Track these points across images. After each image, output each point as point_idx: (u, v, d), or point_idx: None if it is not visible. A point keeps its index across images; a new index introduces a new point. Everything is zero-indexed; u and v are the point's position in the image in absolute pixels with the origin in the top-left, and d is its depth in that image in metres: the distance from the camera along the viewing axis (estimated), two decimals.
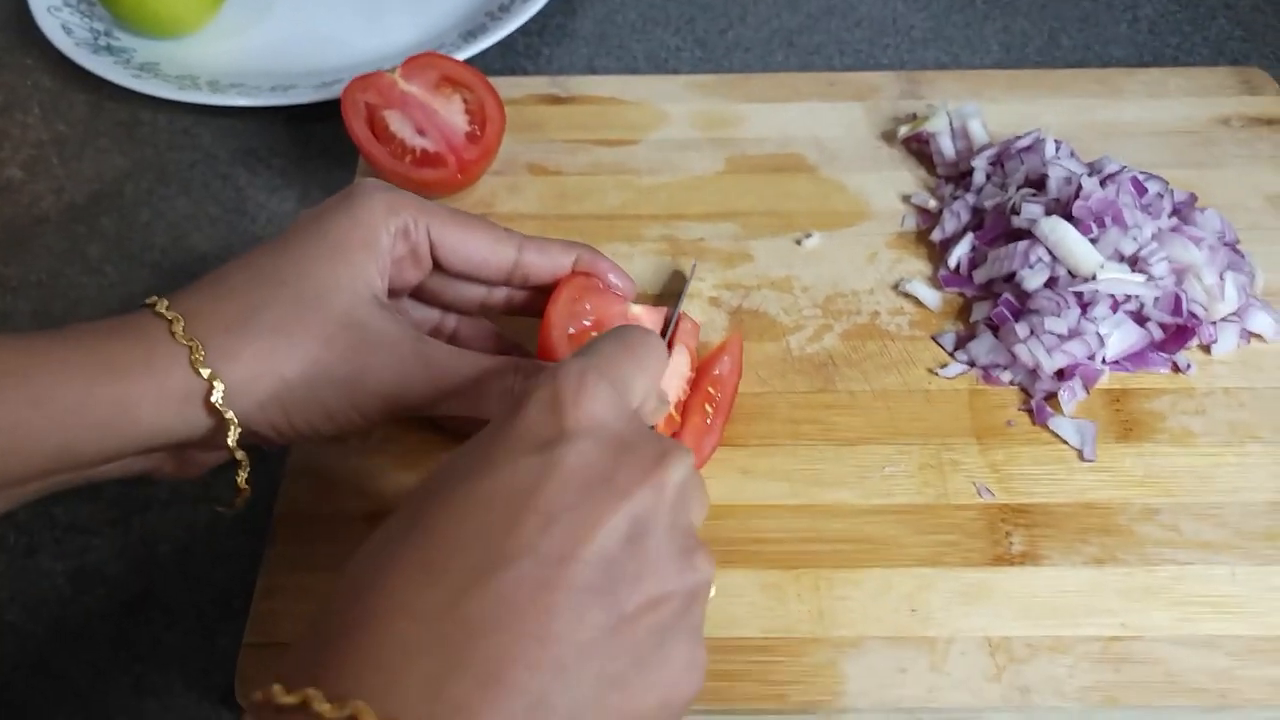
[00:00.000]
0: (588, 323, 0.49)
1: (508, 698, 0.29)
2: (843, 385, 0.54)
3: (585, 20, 0.77)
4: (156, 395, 0.39)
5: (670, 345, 0.50)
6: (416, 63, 0.61)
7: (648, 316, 0.51)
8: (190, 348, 0.40)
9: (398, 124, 0.59)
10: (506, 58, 0.75)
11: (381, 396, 0.43)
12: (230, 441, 0.41)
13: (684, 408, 0.50)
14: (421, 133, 0.59)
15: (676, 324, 0.51)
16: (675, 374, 0.50)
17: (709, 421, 0.50)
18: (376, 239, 0.44)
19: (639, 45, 0.75)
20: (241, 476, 0.43)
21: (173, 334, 0.40)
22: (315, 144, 0.69)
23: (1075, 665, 0.44)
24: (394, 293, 0.48)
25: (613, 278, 0.50)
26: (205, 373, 0.40)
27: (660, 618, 0.33)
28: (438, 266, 0.48)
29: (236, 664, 0.44)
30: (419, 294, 0.50)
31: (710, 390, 0.51)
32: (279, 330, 0.41)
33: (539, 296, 0.49)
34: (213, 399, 0.40)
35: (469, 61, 0.66)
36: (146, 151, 0.69)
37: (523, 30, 0.76)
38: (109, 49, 0.72)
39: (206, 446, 0.43)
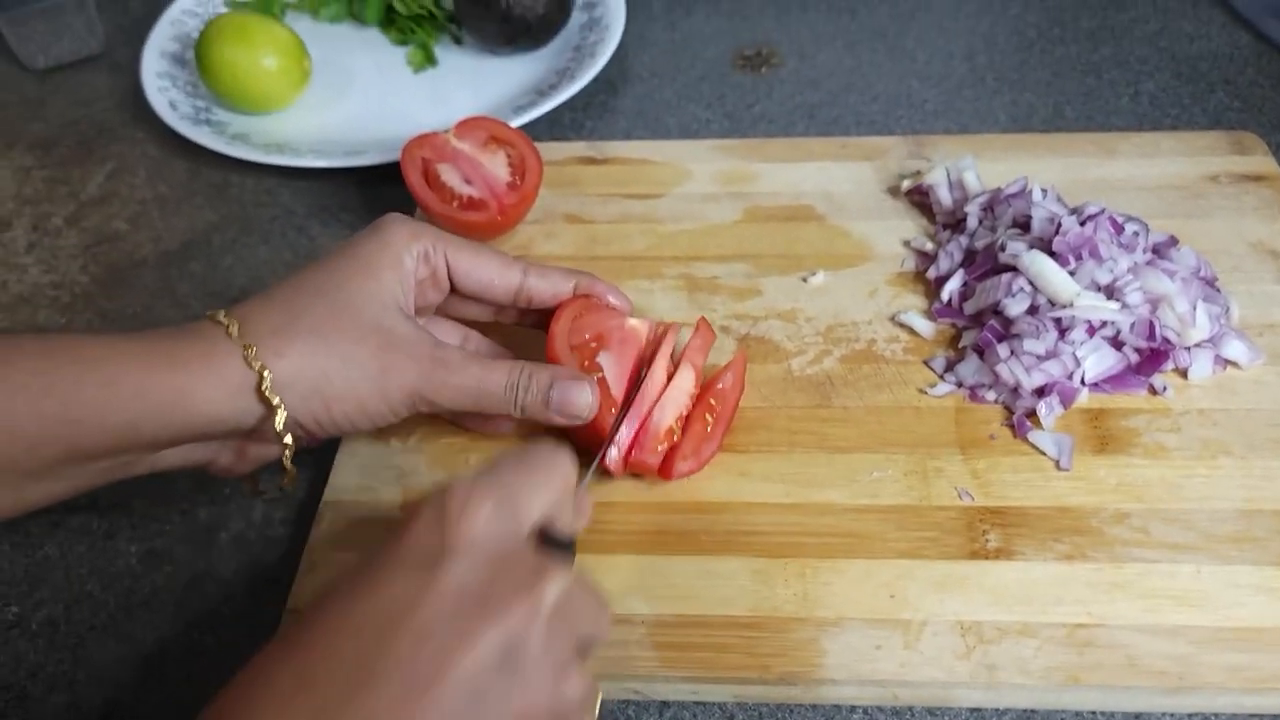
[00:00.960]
0: (588, 335, 0.56)
1: None
2: (838, 402, 0.58)
3: (626, 98, 0.86)
4: (214, 385, 0.46)
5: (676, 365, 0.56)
6: (468, 125, 0.69)
7: (643, 327, 0.57)
8: (244, 346, 0.47)
9: (449, 174, 0.67)
10: (554, 130, 0.83)
11: (405, 391, 0.50)
12: (278, 425, 0.47)
13: (686, 419, 0.55)
14: (469, 182, 0.67)
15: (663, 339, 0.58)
16: (680, 390, 0.56)
17: (708, 430, 0.55)
18: (400, 260, 0.52)
19: (673, 119, 0.83)
20: (287, 457, 0.50)
21: (229, 335, 0.47)
22: (382, 202, 0.77)
23: (1041, 647, 0.47)
24: (420, 311, 0.55)
25: (611, 298, 0.57)
26: (256, 365, 0.46)
27: None
28: (454, 289, 0.55)
29: (279, 626, 0.50)
30: (443, 313, 0.58)
31: (712, 402, 0.56)
32: (318, 332, 0.48)
33: (547, 314, 0.56)
34: (263, 388, 0.46)
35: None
36: (234, 208, 0.78)
37: (569, 106, 0.85)
38: (208, 122, 0.82)
39: (258, 438, 0.50)
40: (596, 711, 0.39)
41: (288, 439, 0.48)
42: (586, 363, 0.55)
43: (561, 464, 0.42)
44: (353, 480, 0.56)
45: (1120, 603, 0.49)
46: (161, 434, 0.47)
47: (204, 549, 0.56)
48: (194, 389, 0.46)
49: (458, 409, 0.52)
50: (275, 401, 0.47)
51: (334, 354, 0.48)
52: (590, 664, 0.39)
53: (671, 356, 0.57)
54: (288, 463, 0.50)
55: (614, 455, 0.53)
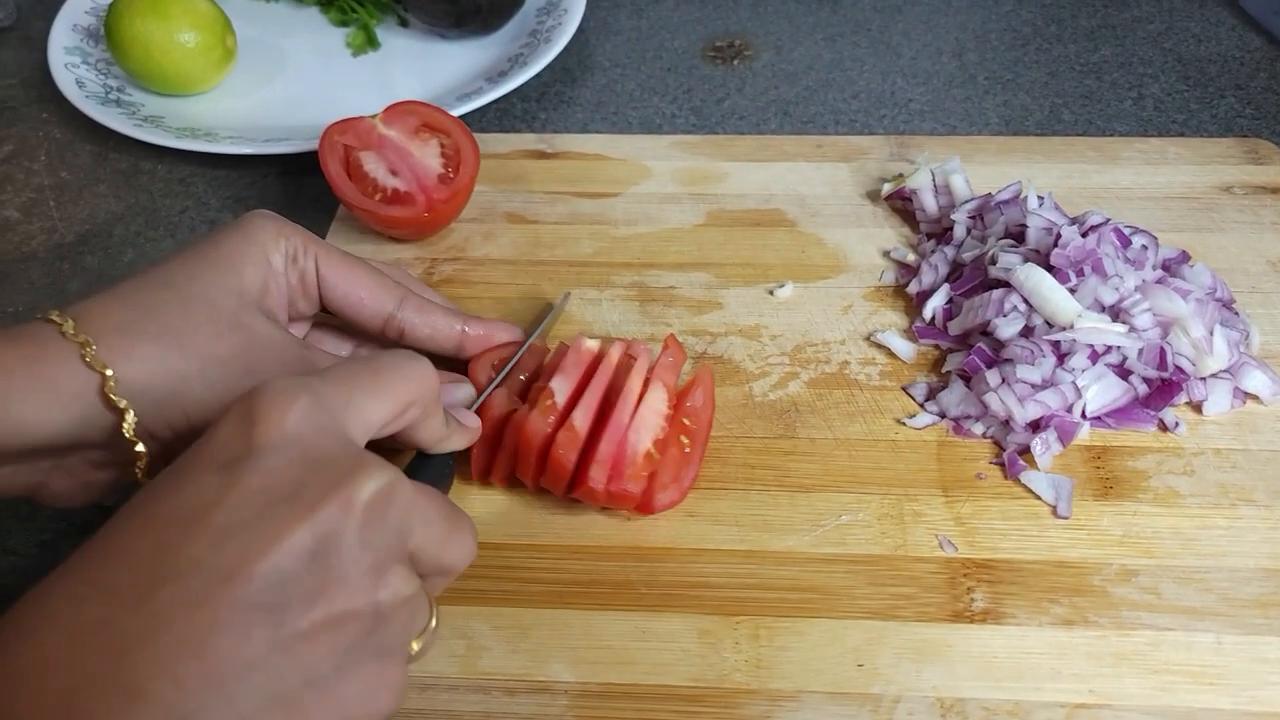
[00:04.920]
0: (523, 376, 0.50)
1: (148, 713, 0.28)
2: (804, 432, 0.51)
3: (584, 89, 0.78)
4: (44, 392, 0.39)
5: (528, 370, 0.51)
6: (398, 109, 0.61)
7: (596, 347, 0.50)
8: (81, 343, 0.39)
9: (372, 164, 0.60)
10: (504, 121, 0.75)
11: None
12: (127, 432, 0.40)
13: (662, 443, 0.47)
14: (395, 173, 0.60)
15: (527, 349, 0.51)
16: (652, 410, 0.48)
17: (686, 452, 0.48)
18: (266, 257, 0.46)
19: (634, 113, 0.76)
20: (140, 470, 0.42)
21: (63, 334, 0.39)
22: (305, 195, 0.69)
23: None
24: (291, 321, 0.48)
25: (500, 334, 0.51)
26: (98, 366, 0.39)
27: (342, 637, 0.32)
28: (321, 305, 0.49)
29: None
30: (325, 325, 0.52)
31: (686, 422, 0.49)
32: (171, 330, 0.41)
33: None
34: (107, 389, 0.39)
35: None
36: (141, 197, 0.70)
37: (522, 96, 0.77)
38: (118, 103, 0.74)
39: (99, 455, 0.42)
40: (433, 623, 0.36)
41: (139, 447, 0.41)
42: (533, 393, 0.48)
43: (414, 372, 0.38)
44: None
45: (1128, 679, 0.41)
46: None
47: None
48: (18, 398, 0.38)
49: None
50: (122, 405, 0.40)
51: (190, 355, 0.41)
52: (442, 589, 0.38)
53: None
54: (141, 477, 0.42)
55: (598, 477, 0.45)
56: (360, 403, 0.36)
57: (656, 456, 0.47)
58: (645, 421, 0.47)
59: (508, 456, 0.47)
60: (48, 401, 0.39)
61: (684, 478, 0.47)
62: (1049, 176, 0.64)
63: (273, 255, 0.46)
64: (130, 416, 0.40)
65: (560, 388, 0.47)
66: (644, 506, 0.46)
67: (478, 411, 0.47)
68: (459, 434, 0.44)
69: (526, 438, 0.46)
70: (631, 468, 0.46)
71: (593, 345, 0.50)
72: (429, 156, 0.61)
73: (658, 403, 0.48)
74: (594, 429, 0.46)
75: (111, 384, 0.39)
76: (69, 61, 0.77)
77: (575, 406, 0.46)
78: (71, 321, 0.40)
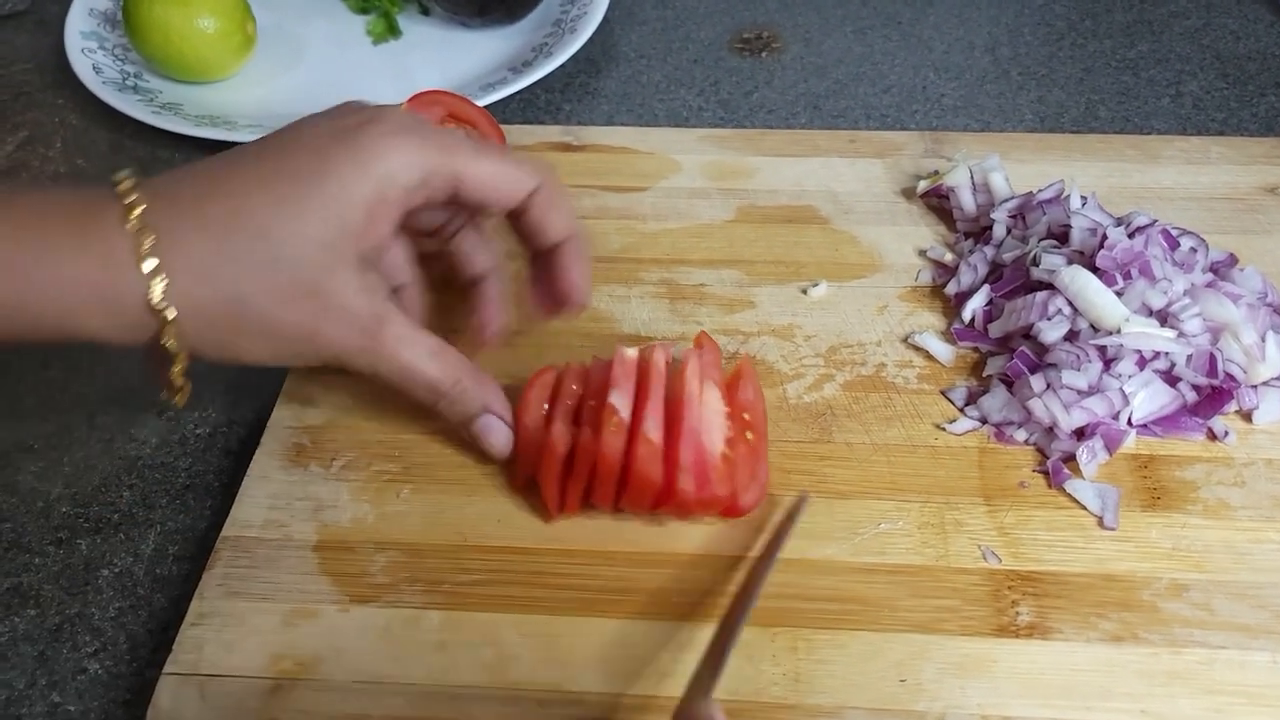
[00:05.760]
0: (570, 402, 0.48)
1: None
2: (840, 437, 0.49)
3: (609, 80, 0.77)
4: (104, 315, 0.38)
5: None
6: (423, 99, 0.60)
7: (635, 354, 0.48)
8: (149, 275, 0.38)
9: None
10: (527, 112, 0.74)
11: (326, 357, 0.43)
12: (176, 378, 0.41)
13: (731, 441, 0.46)
14: None
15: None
16: (713, 411, 0.46)
17: (754, 447, 0.47)
18: (384, 194, 0.41)
19: (661, 105, 0.74)
20: (177, 372, 0.41)
21: (137, 258, 0.38)
22: None
23: None
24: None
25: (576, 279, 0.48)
26: (161, 310, 0.38)
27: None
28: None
29: (153, 694, 0.41)
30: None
31: (745, 417, 0.47)
32: (239, 292, 0.40)
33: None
34: (164, 333, 0.39)
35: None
36: None
37: (546, 87, 0.76)
38: (135, 89, 0.73)
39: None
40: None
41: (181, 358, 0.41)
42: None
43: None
44: (260, 513, 0.47)
45: (1181, 699, 0.40)
46: (27, 341, 0.39)
47: (78, 588, 0.47)
48: (81, 316, 0.38)
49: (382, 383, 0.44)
50: (172, 346, 0.40)
51: (251, 317, 0.40)
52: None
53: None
54: (179, 378, 0.41)
55: (688, 485, 0.43)
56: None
57: (731, 455, 0.45)
58: (712, 423, 0.46)
59: (581, 483, 0.45)
60: (104, 324, 0.39)
61: (760, 473, 0.46)
62: (1088, 175, 0.62)
63: (393, 188, 0.41)
64: (181, 359, 0.40)
65: (621, 403, 0.45)
66: (732, 510, 0.45)
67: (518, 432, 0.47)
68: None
69: (605, 460, 0.43)
70: (715, 471, 0.44)
71: (633, 353, 0.48)
72: None
73: (715, 402, 0.47)
74: (666, 439, 0.44)
75: (170, 331, 0.39)
76: (86, 46, 0.75)
77: (642, 419, 0.44)
78: (151, 240, 0.38)
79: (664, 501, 0.44)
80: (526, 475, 0.47)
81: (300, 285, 0.40)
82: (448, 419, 0.46)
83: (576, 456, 0.44)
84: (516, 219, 0.47)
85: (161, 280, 0.38)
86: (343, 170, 0.40)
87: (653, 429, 0.44)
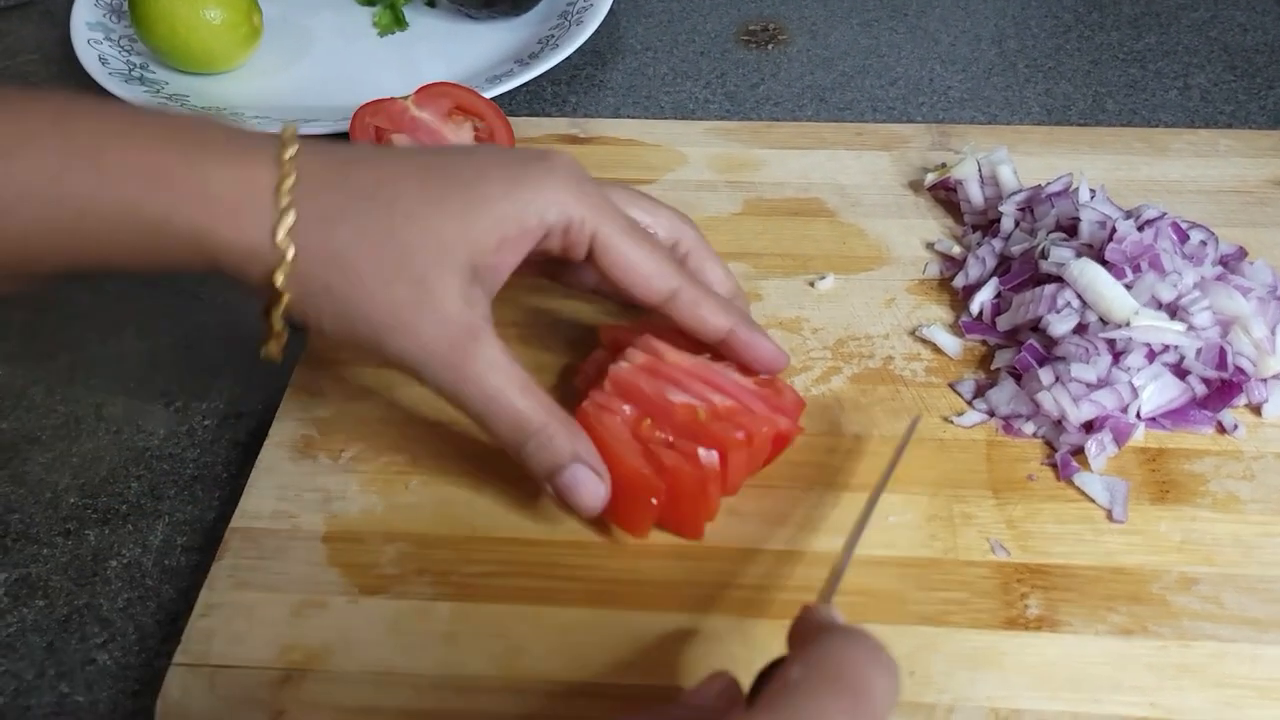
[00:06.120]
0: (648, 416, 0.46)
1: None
2: (848, 429, 0.49)
3: (615, 72, 0.77)
4: (233, 243, 0.39)
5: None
6: (431, 91, 0.60)
7: None
8: (281, 215, 0.39)
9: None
10: (533, 105, 0.74)
11: (404, 357, 0.41)
12: (275, 323, 0.42)
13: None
14: None
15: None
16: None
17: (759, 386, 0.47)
18: (524, 225, 0.41)
19: (667, 97, 0.74)
20: (278, 312, 0.41)
21: (277, 195, 0.39)
22: None
23: None
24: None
25: (765, 351, 0.46)
26: (284, 290, 0.40)
27: None
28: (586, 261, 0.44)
29: (162, 685, 0.41)
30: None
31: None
32: (351, 252, 0.40)
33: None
34: (273, 308, 0.40)
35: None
36: None
37: (552, 80, 0.75)
38: (141, 80, 0.73)
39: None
40: None
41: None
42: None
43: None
44: (268, 504, 0.47)
45: (1191, 692, 0.40)
46: (157, 261, 0.40)
47: (87, 579, 0.47)
48: (210, 240, 0.39)
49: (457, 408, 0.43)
50: (280, 328, 0.41)
51: (351, 281, 0.40)
52: None
53: None
54: (278, 320, 0.41)
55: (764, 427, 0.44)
56: None
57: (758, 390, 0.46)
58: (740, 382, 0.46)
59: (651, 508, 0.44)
60: (232, 248, 0.39)
61: (784, 403, 0.46)
62: (1096, 168, 0.62)
63: (532, 218, 0.41)
64: (285, 301, 0.40)
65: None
66: (785, 437, 0.46)
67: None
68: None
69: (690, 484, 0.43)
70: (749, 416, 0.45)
71: (635, 360, 0.47)
72: (463, 140, 0.59)
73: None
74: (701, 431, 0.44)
75: (285, 267, 0.39)
76: (91, 38, 0.75)
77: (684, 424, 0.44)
78: (293, 179, 0.39)
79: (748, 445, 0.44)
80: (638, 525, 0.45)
81: (405, 269, 0.40)
82: (532, 468, 0.42)
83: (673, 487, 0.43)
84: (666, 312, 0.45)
85: (291, 215, 0.39)
86: (492, 187, 0.41)
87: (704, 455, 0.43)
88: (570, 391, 0.50)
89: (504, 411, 0.41)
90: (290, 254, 0.39)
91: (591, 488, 0.42)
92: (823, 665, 0.29)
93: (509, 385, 0.41)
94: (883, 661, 0.29)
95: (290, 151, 0.40)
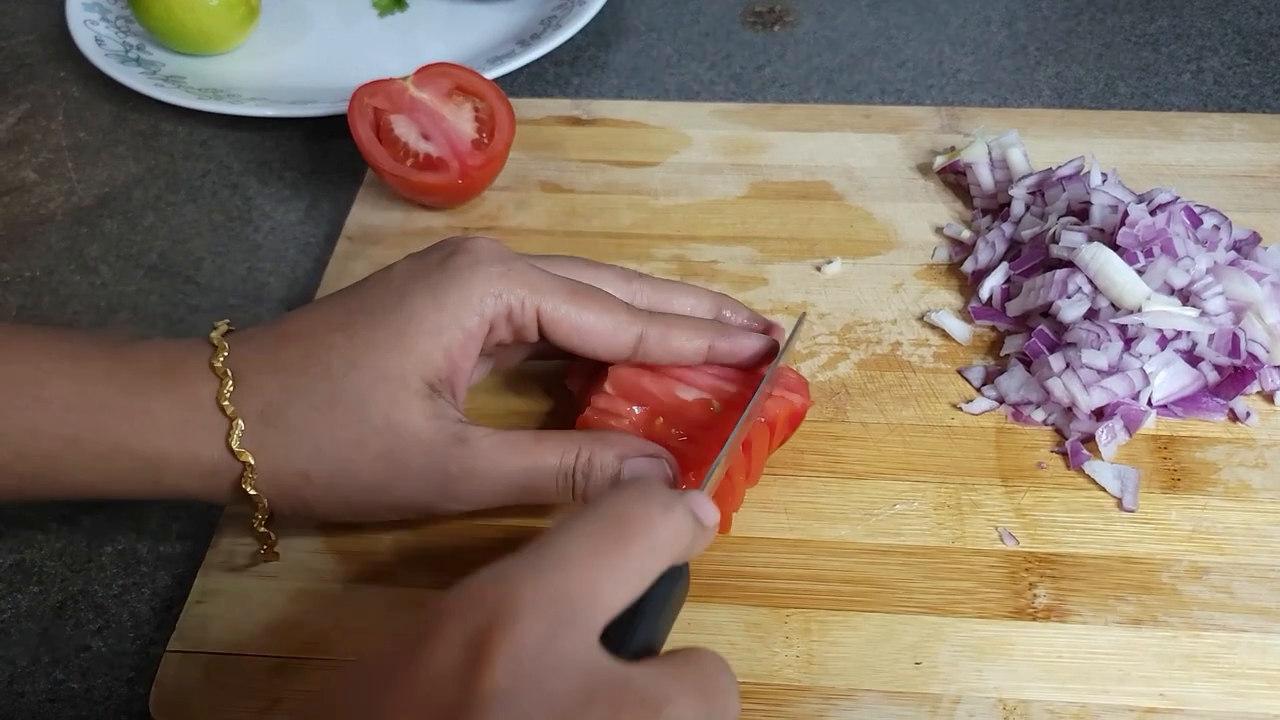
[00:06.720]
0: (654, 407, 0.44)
1: None
2: (855, 416, 0.49)
3: (619, 53, 0.76)
4: (188, 465, 0.39)
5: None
6: (430, 71, 0.59)
7: None
8: (230, 418, 0.38)
9: (403, 128, 0.57)
10: (535, 86, 0.73)
11: (411, 502, 0.40)
12: (257, 525, 0.41)
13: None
14: (427, 137, 0.57)
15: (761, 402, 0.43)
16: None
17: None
18: (461, 325, 0.39)
19: (671, 78, 0.73)
20: (259, 519, 0.41)
21: (219, 405, 0.38)
22: (331, 159, 0.67)
23: None
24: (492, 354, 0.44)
25: (749, 349, 0.44)
26: (242, 456, 0.38)
27: None
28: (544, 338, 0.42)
29: (157, 672, 0.40)
30: None
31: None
32: (308, 429, 0.38)
33: None
34: (244, 477, 0.39)
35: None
36: (161, 159, 0.67)
37: (554, 61, 0.74)
38: (138, 61, 0.72)
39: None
40: None
41: (264, 502, 0.40)
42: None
43: (668, 524, 0.31)
44: None
45: (1200, 683, 0.39)
46: (115, 492, 0.40)
47: (81, 565, 0.47)
48: (167, 467, 0.39)
49: (492, 507, 0.41)
50: (255, 494, 0.39)
51: (323, 459, 0.39)
52: None
53: None
54: (260, 527, 0.41)
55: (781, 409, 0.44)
56: (607, 595, 0.29)
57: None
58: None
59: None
60: (187, 469, 0.39)
61: (788, 380, 0.45)
62: (1108, 152, 0.61)
63: (470, 319, 0.39)
64: (262, 508, 0.40)
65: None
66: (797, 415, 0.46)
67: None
68: (700, 539, 0.33)
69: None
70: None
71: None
72: (463, 121, 0.58)
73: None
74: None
75: (250, 475, 0.39)
76: (88, 18, 0.74)
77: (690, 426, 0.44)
78: (230, 384, 0.38)
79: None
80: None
81: (366, 422, 0.38)
82: (591, 500, 0.39)
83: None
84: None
85: (240, 422, 0.38)
86: (416, 304, 0.39)
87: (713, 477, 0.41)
88: (564, 399, 0.49)
89: (541, 468, 0.40)
90: (252, 459, 0.38)
91: (655, 472, 0.41)
92: (597, 507, 0.31)
93: (526, 446, 0.40)
94: (661, 501, 0.31)
95: (222, 356, 0.39)
